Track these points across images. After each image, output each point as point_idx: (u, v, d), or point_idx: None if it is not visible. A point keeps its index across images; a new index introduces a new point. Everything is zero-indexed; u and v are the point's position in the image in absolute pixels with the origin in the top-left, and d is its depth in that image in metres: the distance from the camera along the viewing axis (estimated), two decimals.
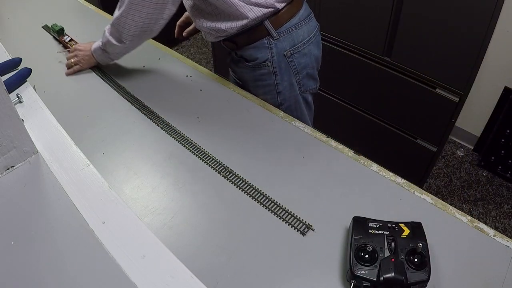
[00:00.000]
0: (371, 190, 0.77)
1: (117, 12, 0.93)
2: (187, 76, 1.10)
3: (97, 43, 1.06)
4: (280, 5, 0.93)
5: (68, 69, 1.12)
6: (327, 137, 0.90)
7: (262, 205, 0.74)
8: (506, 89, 1.85)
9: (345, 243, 0.67)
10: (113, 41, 0.99)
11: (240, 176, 0.79)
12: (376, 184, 0.78)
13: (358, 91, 1.77)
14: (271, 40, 0.95)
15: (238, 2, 0.89)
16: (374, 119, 1.77)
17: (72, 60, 1.10)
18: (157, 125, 0.93)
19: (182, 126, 0.92)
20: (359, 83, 1.74)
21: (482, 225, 0.71)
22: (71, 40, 1.24)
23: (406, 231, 0.62)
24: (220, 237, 0.69)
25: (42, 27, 1.34)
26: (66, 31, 1.26)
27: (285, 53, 0.97)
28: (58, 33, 1.26)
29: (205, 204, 0.75)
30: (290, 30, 0.96)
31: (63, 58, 1.17)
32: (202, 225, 0.71)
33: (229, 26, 0.93)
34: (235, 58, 1.05)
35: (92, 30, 1.35)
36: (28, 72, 0.87)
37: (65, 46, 1.23)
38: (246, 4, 0.89)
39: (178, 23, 1.22)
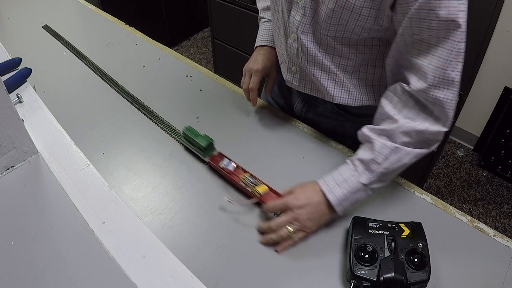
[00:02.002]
0: None
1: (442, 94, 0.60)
2: (187, 76, 1.10)
3: (352, 183, 0.65)
4: None
5: (272, 239, 0.66)
6: (327, 137, 0.90)
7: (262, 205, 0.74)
8: (506, 89, 1.85)
9: (345, 243, 0.67)
10: (427, 150, 0.66)
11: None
12: None
13: None
14: None
15: None
16: None
17: (290, 228, 0.65)
18: (157, 125, 0.93)
19: (182, 126, 0.92)
20: None
21: (482, 225, 0.71)
22: (238, 167, 0.76)
23: (406, 231, 0.62)
24: (220, 237, 0.69)
25: (42, 27, 1.34)
26: (66, 32, 1.24)
27: None
28: (206, 151, 0.80)
29: (205, 204, 0.75)
30: None
31: (236, 212, 0.72)
32: (202, 225, 0.71)
33: None
34: (332, 109, 0.88)
35: (92, 31, 1.35)
36: (28, 72, 0.87)
37: (230, 181, 0.76)
38: None
39: (252, 87, 0.87)
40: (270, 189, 0.72)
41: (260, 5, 0.97)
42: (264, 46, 0.91)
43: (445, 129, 0.63)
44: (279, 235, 0.65)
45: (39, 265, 0.52)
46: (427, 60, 0.60)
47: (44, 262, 0.52)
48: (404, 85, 0.65)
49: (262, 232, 0.68)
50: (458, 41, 0.57)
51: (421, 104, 0.64)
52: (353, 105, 0.80)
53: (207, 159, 0.79)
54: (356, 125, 0.80)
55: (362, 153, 0.67)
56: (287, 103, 0.99)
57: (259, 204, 0.73)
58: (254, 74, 0.86)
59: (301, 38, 0.74)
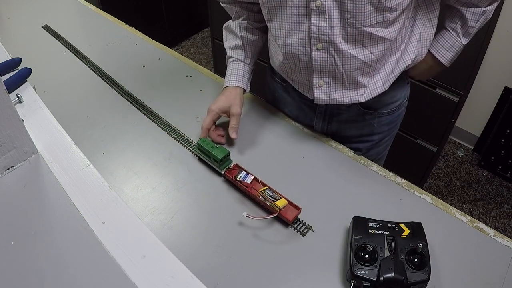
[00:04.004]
0: (371, 190, 0.77)
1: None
2: (187, 76, 1.10)
3: (457, 47, 0.85)
4: None
5: None
6: (327, 137, 0.90)
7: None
8: (506, 89, 1.85)
9: (345, 243, 0.67)
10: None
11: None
12: (376, 184, 0.78)
13: None
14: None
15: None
16: None
17: None
18: (157, 125, 0.93)
19: (182, 126, 0.92)
20: None
21: (482, 225, 0.71)
22: (256, 180, 0.74)
23: (406, 231, 0.62)
24: (220, 237, 0.69)
25: (42, 27, 1.34)
26: (66, 32, 1.24)
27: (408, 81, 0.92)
28: (222, 164, 0.77)
29: (205, 204, 0.75)
30: None
31: (237, 213, 0.71)
32: (202, 225, 0.71)
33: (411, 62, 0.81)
34: (358, 111, 0.88)
35: (92, 31, 1.35)
36: (28, 72, 0.87)
37: (248, 194, 0.74)
38: None
39: (202, 125, 0.85)
40: (289, 202, 0.71)
41: (227, 44, 0.93)
42: (227, 87, 0.89)
43: None
44: None
45: (39, 265, 0.52)
46: None
47: (44, 262, 0.52)
48: None
49: None
50: None
51: None
52: (388, 87, 0.81)
53: (229, 175, 0.76)
54: (382, 119, 0.91)
55: (457, 21, 0.82)
56: (305, 125, 0.95)
57: (276, 217, 0.71)
58: (207, 114, 0.86)
59: (335, 41, 0.71)
